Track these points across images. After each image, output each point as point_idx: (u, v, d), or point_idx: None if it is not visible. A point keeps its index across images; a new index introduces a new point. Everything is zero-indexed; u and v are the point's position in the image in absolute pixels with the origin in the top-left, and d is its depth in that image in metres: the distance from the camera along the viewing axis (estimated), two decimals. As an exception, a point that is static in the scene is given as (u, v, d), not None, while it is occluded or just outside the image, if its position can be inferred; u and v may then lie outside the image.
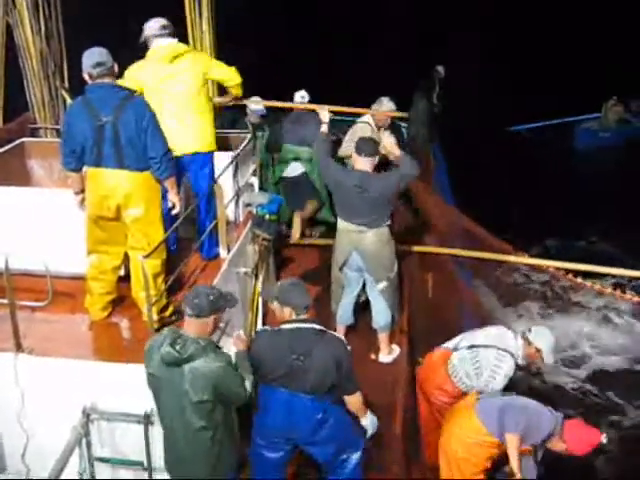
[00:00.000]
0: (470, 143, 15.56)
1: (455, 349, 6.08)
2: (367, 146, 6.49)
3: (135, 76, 6.03)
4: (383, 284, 6.56)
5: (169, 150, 5.32)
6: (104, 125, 5.09)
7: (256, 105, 9.41)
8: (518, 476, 5.23)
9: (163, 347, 4.33)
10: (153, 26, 6.05)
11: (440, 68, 13.37)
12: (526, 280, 9.31)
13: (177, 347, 4.31)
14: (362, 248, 6.48)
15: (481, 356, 5.86)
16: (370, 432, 5.11)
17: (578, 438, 5.33)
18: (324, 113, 6.93)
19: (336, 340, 4.85)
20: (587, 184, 14.92)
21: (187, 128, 6.07)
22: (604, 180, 15.13)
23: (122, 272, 5.66)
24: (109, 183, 5.20)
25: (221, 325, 4.99)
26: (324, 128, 6.84)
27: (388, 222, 6.54)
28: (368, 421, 5.08)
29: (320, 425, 4.79)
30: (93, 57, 5.14)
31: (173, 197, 5.45)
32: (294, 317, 4.78)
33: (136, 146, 5.15)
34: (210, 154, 6.30)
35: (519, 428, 5.26)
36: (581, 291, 8.86)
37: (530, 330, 5.90)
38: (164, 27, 6.05)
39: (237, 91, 6.81)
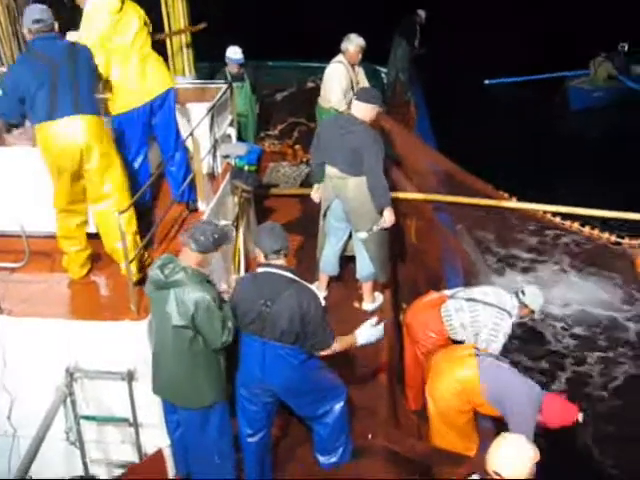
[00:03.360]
0: (453, 94, 15.44)
1: (452, 297, 6.07)
2: (365, 93, 6.47)
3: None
4: (364, 235, 6.47)
5: None
6: (59, 68, 5.01)
7: (234, 55, 9.35)
8: None
9: (153, 270, 4.54)
10: None
11: (421, 12, 13.17)
12: (511, 225, 9.19)
13: (165, 271, 4.49)
14: (344, 196, 6.41)
15: (481, 312, 5.85)
16: (369, 341, 5.01)
17: (555, 412, 5.33)
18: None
19: (306, 291, 4.68)
20: (581, 145, 14.86)
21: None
22: (600, 141, 15.12)
23: (93, 229, 5.58)
24: (68, 132, 5.04)
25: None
26: None
27: None
28: (359, 342, 4.98)
29: (295, 375, 4.75)
30: (33, 14, 5.11)
31: None
32: (264, 261, 4.75)
33: (90, 88, 5.14)
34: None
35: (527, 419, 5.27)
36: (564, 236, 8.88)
37: (524, 292, 5.91)
38: None
39: None
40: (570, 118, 16.70)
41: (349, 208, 6.45)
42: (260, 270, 4.78)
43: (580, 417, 5.28)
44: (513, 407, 5.27)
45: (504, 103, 16.49)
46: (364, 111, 6.31)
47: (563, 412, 5.34)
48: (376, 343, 5.13)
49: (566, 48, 17.08)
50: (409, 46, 12.78)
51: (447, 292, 6.19)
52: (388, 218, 6.34)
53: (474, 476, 3.84)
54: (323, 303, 4.71)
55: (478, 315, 5.84)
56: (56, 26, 5.15)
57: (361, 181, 6.28)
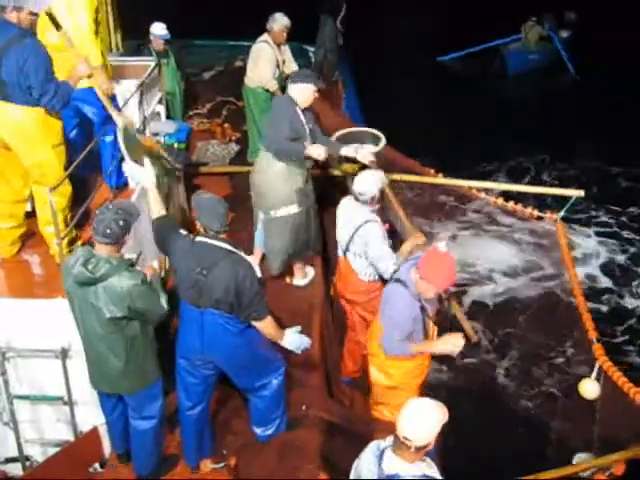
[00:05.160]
0: (392, 72, 15.61)
1: (343, 253, 6.20)
2: (298, 74, 6.48)
3: None
4: (261, 215, 6.52)
5: (53, 79, 4.98)
6: None
7: (160, 31, 9.22)
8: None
9: (76, 267, 4.33)
10: None
11: None
12: (438, 200, 9.39)
13: (89, 267, 4.32)
14: (255, 170, 6.49)
15: (358, 229, 5.91)
16: (295, 349, 4.93)
17: (434, 273, 5.03)
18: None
19: (243, 262, 4.60)
20: (522, 108, 15.25)
21: None
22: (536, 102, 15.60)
23: (29, 207, 5.52)
24: None
25: (133, 256, 4.98)
26: None
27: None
28: (286, 341, 4.87)
29: (234, 344, 4.74)
30: None
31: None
32: (203, 232, 4.68)
33: (19, 85, 4.89)
34: None
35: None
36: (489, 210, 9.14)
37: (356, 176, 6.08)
38: None
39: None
40: (510, 83, 17.17)
41: (254, 182, 6.50)
42: (198, 239, 4.69)
43: (443, 247, 5.03)
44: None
45: (447, 78, 16.81)
46: (301, 91, 6.30)
47: (440, 267, 5.05)
48: (302, 353, 5.04)
49: (498, 16, 17.45)
50: (335, 24, 12.80)
51: (339, 253, 6.32)
52: (313, 153, 6.25)
53: (383, 444, 3.89)
54: (259, 275, 4.67)
55: (359, 235, 5.91)
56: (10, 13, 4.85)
57: (266, 157, 6.30)
